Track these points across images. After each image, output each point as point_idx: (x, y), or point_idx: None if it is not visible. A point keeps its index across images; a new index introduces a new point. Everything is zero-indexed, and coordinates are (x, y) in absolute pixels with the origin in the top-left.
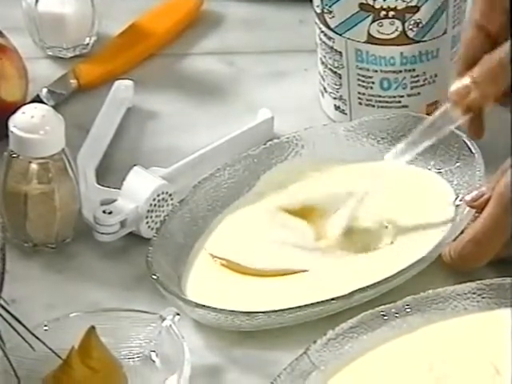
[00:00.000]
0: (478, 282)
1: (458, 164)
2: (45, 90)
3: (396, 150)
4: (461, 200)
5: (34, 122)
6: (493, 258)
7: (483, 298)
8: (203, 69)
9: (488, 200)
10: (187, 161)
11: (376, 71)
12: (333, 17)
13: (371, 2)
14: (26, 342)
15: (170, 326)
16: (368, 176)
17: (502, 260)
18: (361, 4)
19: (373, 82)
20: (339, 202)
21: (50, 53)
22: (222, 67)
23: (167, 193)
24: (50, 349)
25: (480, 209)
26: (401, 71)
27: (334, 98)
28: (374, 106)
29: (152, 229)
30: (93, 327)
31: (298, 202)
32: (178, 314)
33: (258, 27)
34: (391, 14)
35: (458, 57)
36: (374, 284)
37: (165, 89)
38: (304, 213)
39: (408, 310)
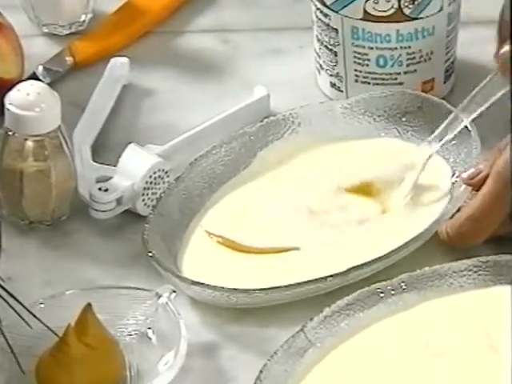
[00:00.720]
0: (474, 259)
1: (454, 141)
2: (41, 68)
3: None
4: (457, 177)
5: (29, 100)
6: (490, 236)
7: (479, 275)
8: (199, 46)
9: (485, 178)
10: (183, 138)
11: (372, 48)
12: None
13: None
14: (23, 319)
15: (167, 303)
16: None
17: (498, 237)
18: None
19: (369, 60)
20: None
21: (46, 30)
22: (218, 45)
23: (163, 170)
24: (47, 326)
25: (477, 186)
26: (397, 48)
27: (330, 76)
28: (369, 83)
29: (148, 206)
30: (89, 304)
31: (357, 180)
32: (174, 292)
33: (253, 5)
34: None
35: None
36: (371, 261)
37: (161, 66)
38: (366, 189)
39: (404, 287)
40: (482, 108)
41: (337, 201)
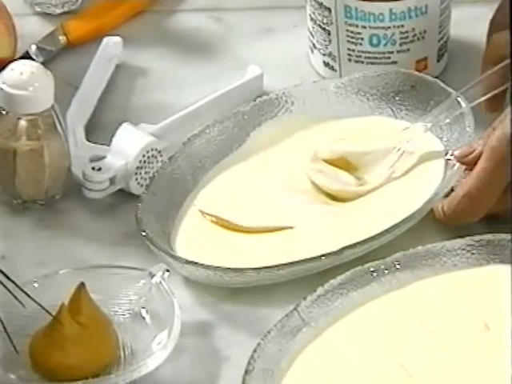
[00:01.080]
0: (468, 238)
1: (447, 120)
2: (34, 47)
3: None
4: (451, 156)
5: (23, 79)
6: (485, 213)
7: (473, 254)
8: (192, 25)
9: (479, 156)
10: (176, 117)
11: (365, 27)
12: None
13: None
14: (16, 298)
15: (160, 282)
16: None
17: (492, 216)
18: None
19: (362, 39)
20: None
21: (39, 9)
22: (212, 24)
23: (156, 149)
24: (40, 305)
25: (471, 165)
26: (390, 27)
27: (324, 55)
28: (363, 62)
29: (141, 185)
30: (82, 284)
31: (336, 153)
32: (168, 271)
33: None
34: None
35: None
36: (364, 240)
37: (154, 45)
38: (341, 162)
39: (398, 266)
40: (483, 98)
41: (312, 165)
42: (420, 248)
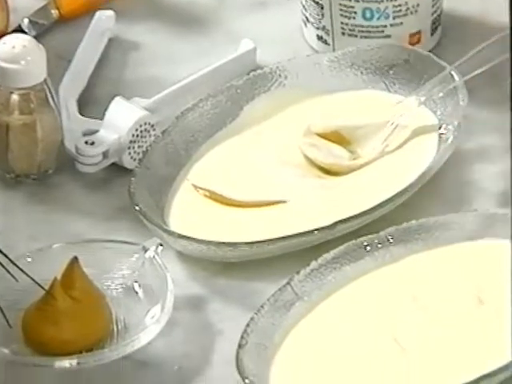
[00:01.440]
0: (461, 212)
1: (441, 94)
2: (26, 21)
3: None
4: (444, 130)
5: (15, 53)
6: None
7: (466, 228)
8: None
9: None
10: (170, 91)
11: (358, 1)
12: None
13: None
14: (9, 273)
15: (153, 256)
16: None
17: None
18: None
19: (355, 12)
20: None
21: None
22: None
23: (149, 123)
24: (33, 280)
25: None
26: (383, 1)
27: (317, 29)
28: (356, 36)
29: (134, 159)
30: (76, 258)
31: (330, 126)
32: (161, 245)
33: None
34: None
35: None
36: (357, 215)
37: (146, 19)
38: (335, 136)
39: (391, 240)
40: (477, 71)
41: (305, 139)
42: (413, 222)
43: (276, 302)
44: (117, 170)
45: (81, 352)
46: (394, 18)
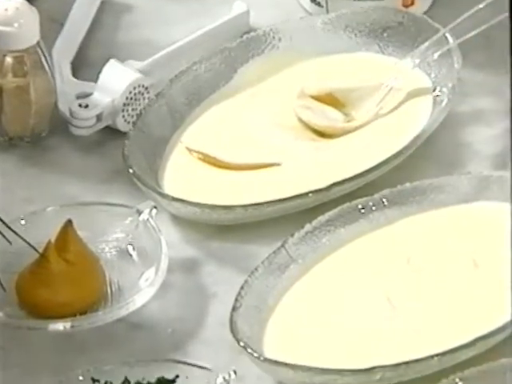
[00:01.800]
0: (455, 174)
1: (435, 56)
2: None
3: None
4: (439, 92)
5: (8, 15)
6: None
7: (460, 190)
8: None
9: None
10: (163, 54)
11: None
12: None
13: None
14: (3, 235)
15: (147, 219)
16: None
17: None
18: None
19: None
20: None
21: None
22: None
23: (143, 86)
24: (27, 242)
25: None
26: None
27: None
28: None
29: (128, 122)
30: (69, 221)
31: (324, 89)
32: (155, 208)
33: None
34: None
35: None
36: (352, 177)
37: None
38: (329, 99)
39: (385, 203)
40: (471, 34)
41: (299, 102)
42: (408, 185)
43: (270, 264)
44: (111, 132)
45: (75, 315)
46: None
